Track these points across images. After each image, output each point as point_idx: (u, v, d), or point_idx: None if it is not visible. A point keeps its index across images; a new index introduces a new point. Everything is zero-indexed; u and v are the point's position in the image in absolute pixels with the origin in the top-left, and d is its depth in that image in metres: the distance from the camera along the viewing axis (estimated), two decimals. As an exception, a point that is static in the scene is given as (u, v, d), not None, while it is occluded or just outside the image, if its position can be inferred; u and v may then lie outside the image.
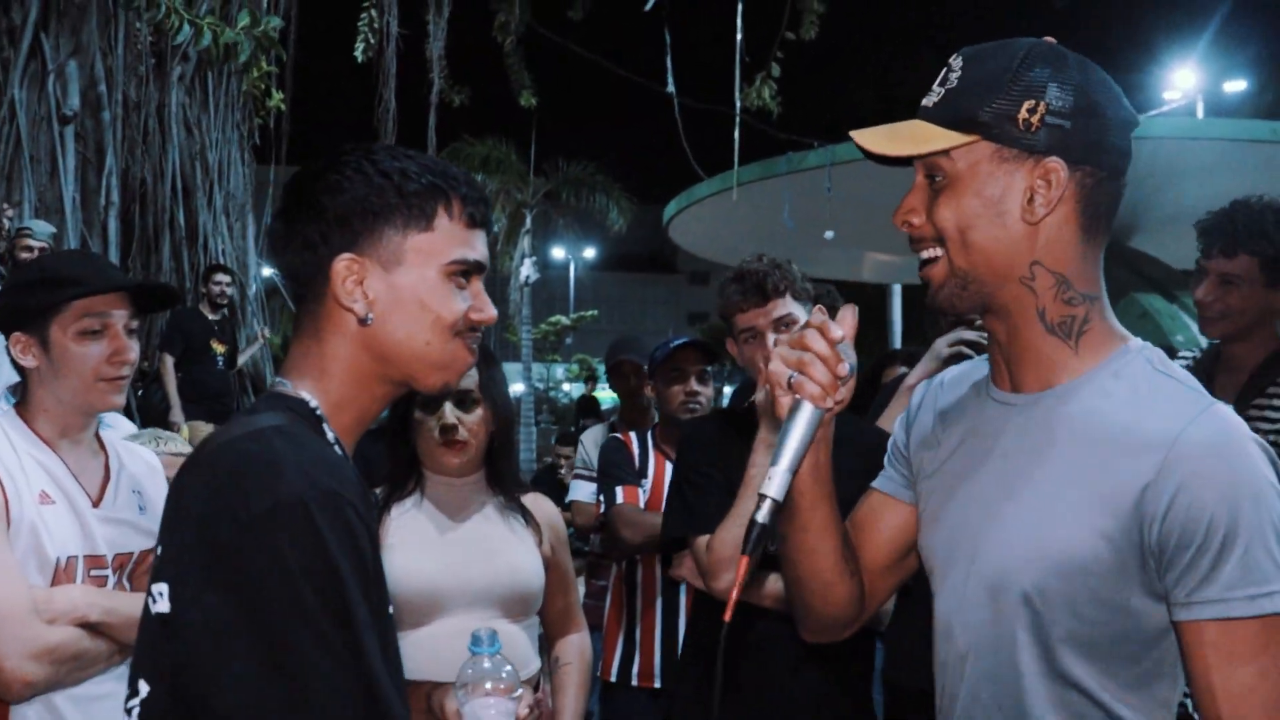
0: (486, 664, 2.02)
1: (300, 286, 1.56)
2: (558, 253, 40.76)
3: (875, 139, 1.56)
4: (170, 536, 1.42)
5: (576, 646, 2.90)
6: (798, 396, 1.52)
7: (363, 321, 1.51)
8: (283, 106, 10.36)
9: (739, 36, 8.49)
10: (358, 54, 9.61)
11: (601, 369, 6.03)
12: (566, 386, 41.10)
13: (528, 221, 27.14)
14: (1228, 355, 3.13)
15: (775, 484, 1.51)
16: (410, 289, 1.53)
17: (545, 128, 26.77)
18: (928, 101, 1.56)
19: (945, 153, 1.52)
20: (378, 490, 2.73)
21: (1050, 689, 1.49)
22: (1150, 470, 1.41)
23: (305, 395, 1.52)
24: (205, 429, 4.20)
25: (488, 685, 2.00)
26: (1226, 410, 1.47)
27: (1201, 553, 1.38)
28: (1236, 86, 30.64)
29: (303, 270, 1.54)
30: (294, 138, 11.24)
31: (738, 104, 8.70)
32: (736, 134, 8.81)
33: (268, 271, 11.02)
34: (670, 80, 8.87)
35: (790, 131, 10.38)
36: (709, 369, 4.02)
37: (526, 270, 26.71)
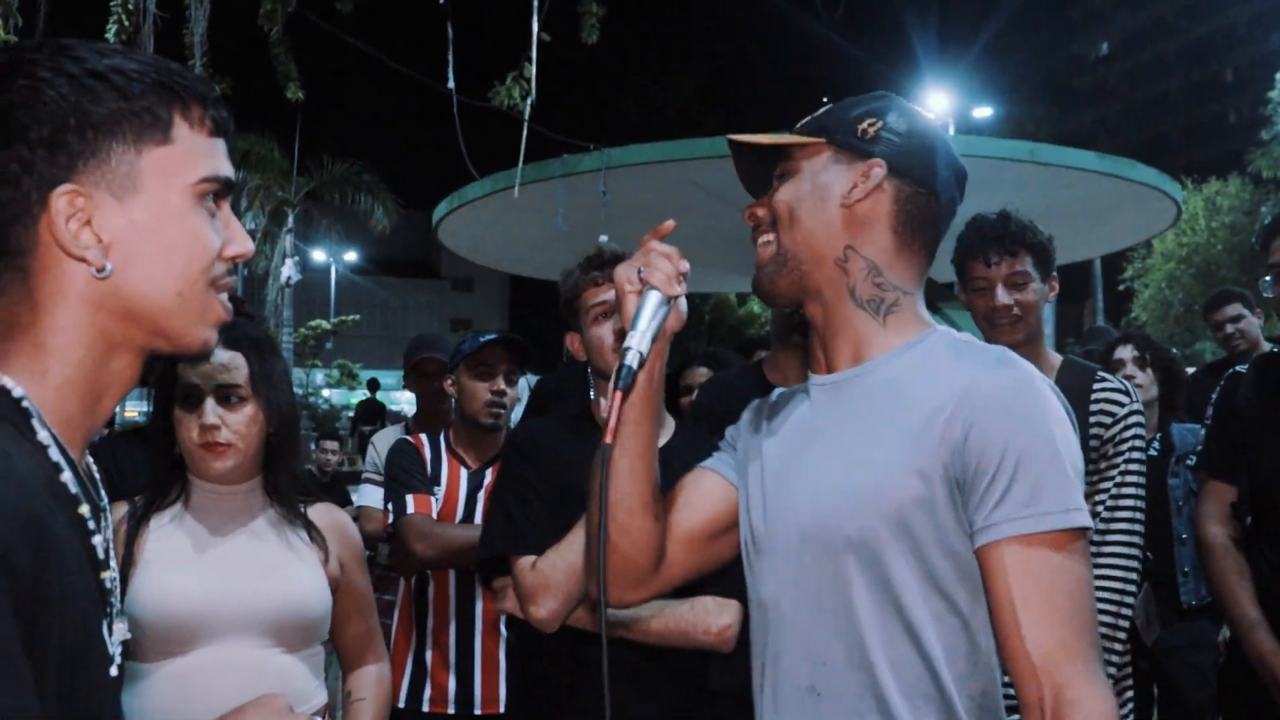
0: None
1: None
2: (319, 255, 39.71)
3: (745, 138, 1.79)
4: None
5: (373, 679, 2.58)
6: (646, 286, 1.69)
7: (99, 272, 1.17)
8: (25, 82, 9.56)
9: (535, 34, 8.35)
10: (110, 34, 8.96)
11: (366, 375, 5.72)
12: (326, 392, 40.06)
13: (289, 220, 26.23)
14: None
15: (637, 339, 1.65)
16: (154, 222, 1.20)
17: (311, 124, 26.03)
18: (800, 123, 1.81)
19: (794, 154, 1.77)
20: (137, 499, 2.39)
21: (891, 639, 1.58)
22: (948, 410, 1.58)
23: (6, 383, 1.16)
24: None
25: None
26: (1021, 361, 1.64)
27: (997, 477, 1.54)
28: (984, 113, 33.42)
29: (1, 215, 1.16)
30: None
31: (527, 106, 8.57)
32: (525, 133, 8.69)
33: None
34: (451, 77, 8.63)
35: (566, 135, 10.30)
36: (517, 372, 3.76)
37: (288, 271, 25.70)
